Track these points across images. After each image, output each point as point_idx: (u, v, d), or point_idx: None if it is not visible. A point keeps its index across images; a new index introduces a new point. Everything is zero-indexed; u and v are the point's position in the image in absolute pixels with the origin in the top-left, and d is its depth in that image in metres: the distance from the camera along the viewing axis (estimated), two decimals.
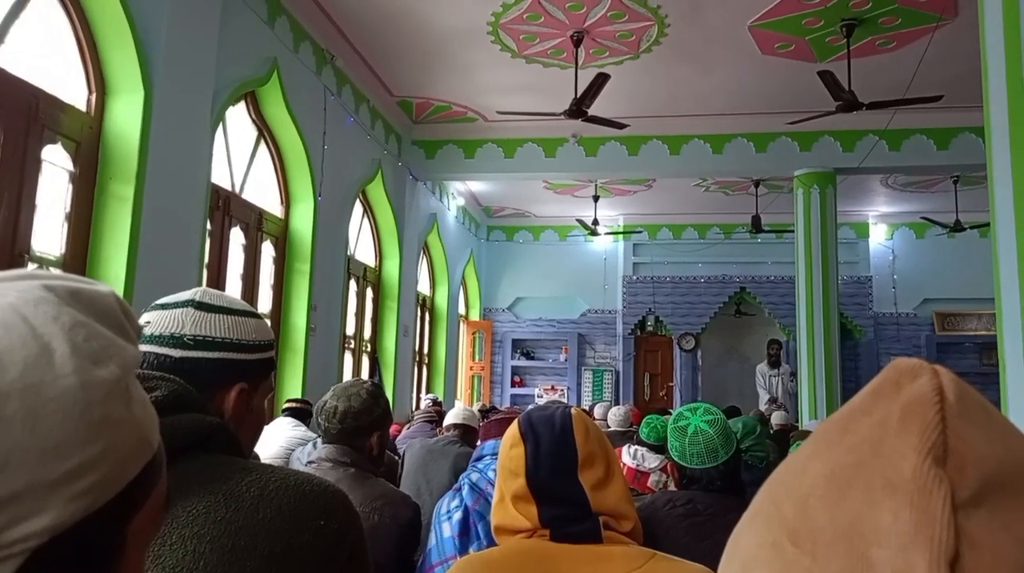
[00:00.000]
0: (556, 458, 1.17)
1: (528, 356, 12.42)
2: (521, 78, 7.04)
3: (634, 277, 12.06)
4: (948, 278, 11.32)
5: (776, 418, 6.93)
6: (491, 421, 2.73)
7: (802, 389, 7.91)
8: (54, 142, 3.79)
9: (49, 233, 3.80)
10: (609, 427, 5.22)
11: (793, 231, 8.27)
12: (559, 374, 12.28)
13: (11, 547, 0.38)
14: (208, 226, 4.88)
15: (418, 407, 8.01)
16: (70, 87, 3.97)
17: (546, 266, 12.32)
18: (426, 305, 10.14)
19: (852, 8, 5.72)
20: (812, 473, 0.35)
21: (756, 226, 9.82)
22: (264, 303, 5.95)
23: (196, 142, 4.53)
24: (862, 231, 11.69)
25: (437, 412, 5.56)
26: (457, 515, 1.99)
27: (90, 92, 4.06)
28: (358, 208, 7.71)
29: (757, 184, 9.67)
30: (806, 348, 7.81)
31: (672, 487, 2.35)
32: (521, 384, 12.26)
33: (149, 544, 0.51)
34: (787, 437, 5.74)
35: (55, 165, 3.82)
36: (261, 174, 6.03)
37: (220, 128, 5.16)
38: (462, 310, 11.83)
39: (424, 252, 9.81)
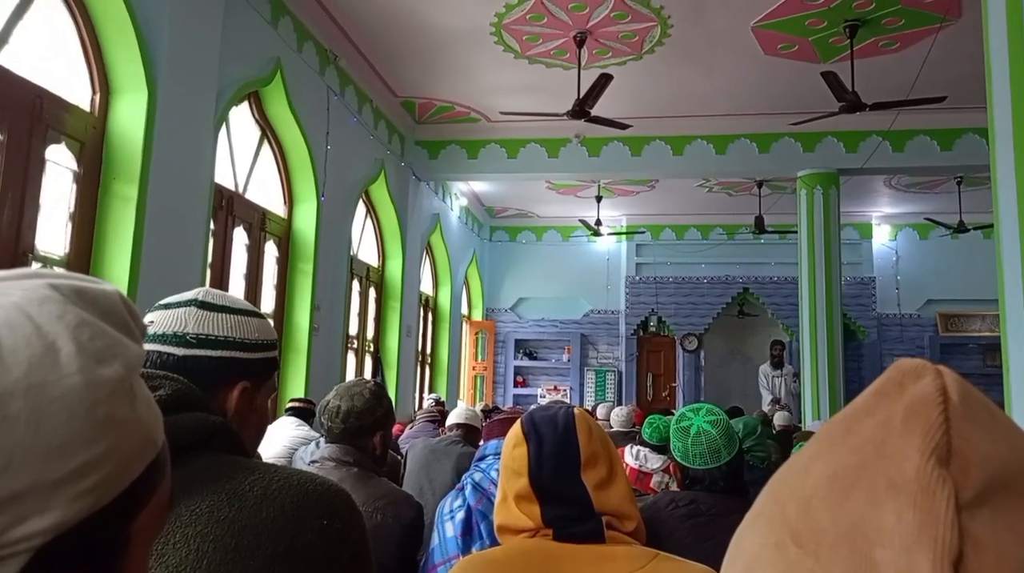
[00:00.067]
0: (559, 458, 1.17)
1: (531, 356, 12.42)
2: (524, 78, 7.04)
3: (637, 277, 12.06)
4: (952, 279, 11.30)
5: (779, 419, 6.92)
6: (494, 421, 2.73)
7: (805, 390, 7.90)
8: (58, 142, 3.80)
9: (53, 232, 3.81)
10: (612, 427, 5.21)
11: (796, 232, 8.26)
12: (562, 374, 12.29)
13: (15, 545, 0.38)
14: (211, 226, 4.89)
15: (421, 407, 8.01)
16: (74, 87, 3.98)
17: (549, 266, 12.33)
18: (429, 305, 10.14)
19: (855, 9, 5.71)
20: (815, 474, 0.35)
21: (759, 227, 9.81)
22: (267, 303, 5.96)
23: (199, 142, 4.54)
24: (865, 232, 11.67)
25: (440, 412, 5.56)
26: (460, 515, 1.99)
27: (94, 92, 4.06)
28: (361, 208, 7.72)
29: (760, 185, 9.66)
30: (809, 349, 7.80)
31: (675, 488, 2.35)
32: (524, 384, 12.26)
33: (153, 543, 0.51)
34: (790, 438, 5.74)
35: (59, 165, 3.83)
36: (264, 174, 6.04)
37: (223, 128, 5.16)
38: (465, 310, 11.83)
39: (427, 252, 9.81)
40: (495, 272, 12.51)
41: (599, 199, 10.37)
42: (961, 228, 9.64)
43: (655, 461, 3.50)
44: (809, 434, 5.33)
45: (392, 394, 7.74)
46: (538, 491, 1.16)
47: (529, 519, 1.16)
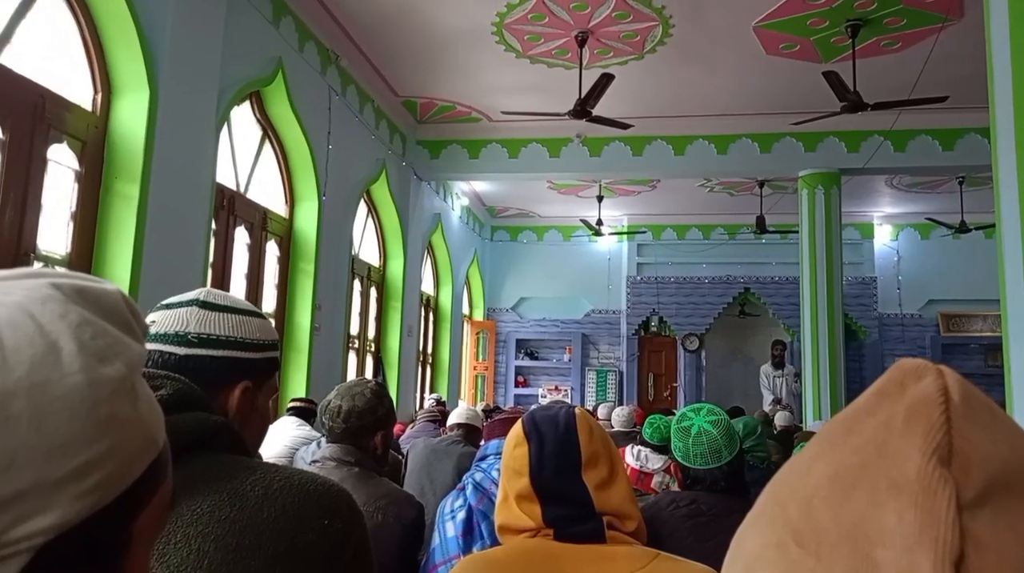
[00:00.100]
0: (560, 458, 1.17)
1: (532, 356, 12.42)
2: (525, 78, 7.04)
3: (638, 277, 12.05)
4: (953, 279, 11.29)
5: (780, 419, 6.92)
6: (495, 421, 2.73)
7: (806, 390, 7.90)
8: (60, 141, 3.80)
9: (55, 232, 3.82)
10: (613, 428, 5.21)
11: (797, 232, 8.26)
12: (563, 374, 12.29)
13: (17, 544, 0.38)
14: (213, 225, 4.89)
15: (422, 407, 8.01)
16: (76, 87, 3.99)
17: (550, 266, 12.32)
18: (430, 305, 10.14)
19: (857, 8, 5.71)
20: (816, 474, 0.35)
21: (760, 227, 9.81)
22: (268, 302, 5.96)
23: (201, 141, 4.54)
24: (867, 232, 11.66)
25: (441, 412, 5.56)
26: (461, 514, 1.99)
27: (96, 92, 4.07)
28: (362, 208, 7.73)
29: (762, 185, 9.65)
30: (810, 349, 7.80)
31: (676, 488, 2.35)
32: (525, 384, 12.26)
33: (155, 542, 0.51)
34: (791, 438, 5.74)
35: (61, 164, 3.83)
36: (266, 174, 6.05)
37: (225, 128, 5.17)
38: (466, 310, 11.84)
39: (428, 252, 9.82)
40: (496, 272, 12.51)
41: (600, 199, 10.37)
42: (963, 228, 9.63)
43: (656, 461, 3.50)
44: (810, 434, 5.33)
45: (393, 394, 7.74)
46: (539, 491, 1.16)
47: (530, 519, 1.16)
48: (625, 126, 6.61)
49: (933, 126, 7.72)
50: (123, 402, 0.43)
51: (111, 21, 4.00)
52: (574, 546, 1.13)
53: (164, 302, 1.08)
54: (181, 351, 1.02)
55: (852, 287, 10.98)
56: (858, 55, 6.11)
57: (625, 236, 11.94)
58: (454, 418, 4.04)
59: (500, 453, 1.67)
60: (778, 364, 10.33)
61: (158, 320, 1.04)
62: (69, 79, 3.95)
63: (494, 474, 2.06)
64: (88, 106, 4.01)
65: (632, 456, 3.53)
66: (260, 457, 1.18)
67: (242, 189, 5.63)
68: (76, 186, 3.90)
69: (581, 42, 6.19)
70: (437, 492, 3.13)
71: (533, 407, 1.36)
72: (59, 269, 0.58)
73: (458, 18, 5.98)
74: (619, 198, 10.73)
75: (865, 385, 0.38)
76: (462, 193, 10.68)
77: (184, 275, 4.24)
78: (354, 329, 7.51)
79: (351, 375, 7.27)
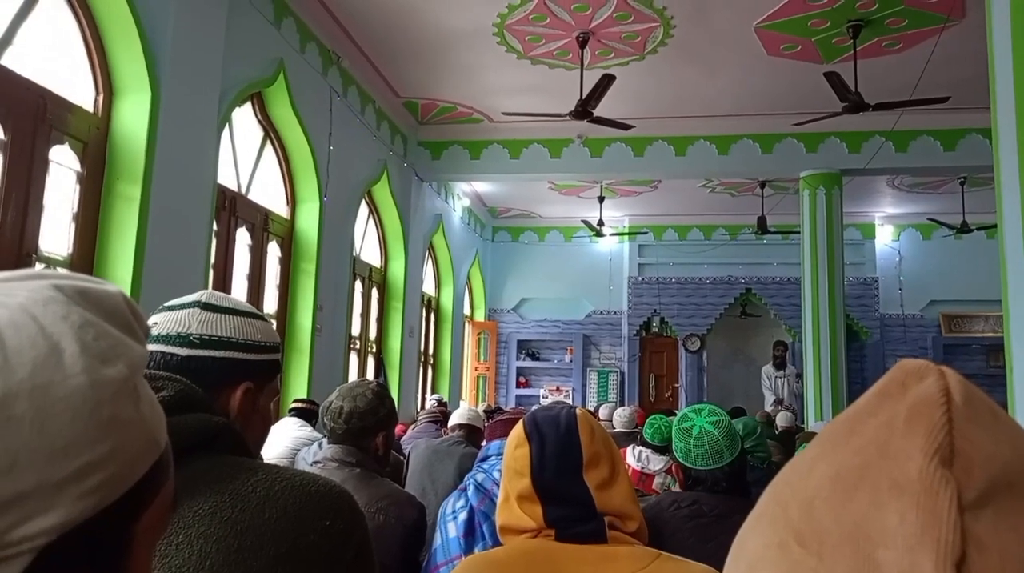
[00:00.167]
0: (561, 458, 1.17)
1: (533, 357, 12.42)
2: (527, 79, 7.04)
3: (639, 278, 12.05)
4: (955, 279, 11.28)
5: (782, 419, 6.92)
6: (496, 421, 2.73)
7: (808, 390, 7.89)
8: (61, 143, 3.81)
9: (56, 233, 3.82)
10: (614, 428, 5.21)
11: (799, 232, 8.26)
12: (564, 375, 12.28)
13: (20, 545, 0.38)
14: (214, 226, 4.90)
15: (423, 407, 8.02)
16: (77, 88, 3.99)
17: (551, 267, 12.32)
18: (431, 306, 10.15)
19: (859, 9, 5.71)
20: (818, 474, 0.35)
21: (762, 227, 9.81)
22: (270, 303, 5.96)
23: (203, 143, 4.54)
24: (868, 232, 11.65)
25: (442, 412, 5.56)
26: (462, 515, 1.99)
27: (97, 93, 4.07)
28: (364, 209, 7.73)
29: (763, 185, 9.65)
30: (812, 349, 7.80)
31: (677, 488, 2.35)
32: (526, 385, 12.26)
33: (156, 543, 0.51)
34: (793, 438, 5.74)
35: (62, 166, 3.84)
36: (267, 175, 6.05)
37: (226, 129, 5.17)
38: (467, 311, 11.84)
39: (429, 253, 9.82)
40: (497, 272, 12.51)
41: (601, 200, 10.37)
42: (964, 228, 9.62)
43: (657, 462, 3.49)
44: (812, 435, 5.33)
45: (394, 395, 7.75)
46: (540, 491, 1.16)
47: (531, 519, 1.16)
48: (626, 127, 6.61)
49: (934, 127, 7.71)
50: (125, 403, 0.43)
51: (113, 22, 4.01)
52: (575, 546, 1.13)
53: (166, 304, 1.09)
54: (183, 352, 1.02)
55: (854, 287, 10.97)
56: (859, 56, 6.11)
57: (626, 237, 11.93)
58: (455, 419, 4.04)
59: (501, 454, 1.67)
60: (780, 365, 10.32)
61: (160, 321, 1.04)
62: (71, 80, 3.96)
63: (495, 475, 2.06)
64: (90, 107, 4.01)
65: (633, 457, 3.52)
66: (262, 458, 1.18)
67: (243, 190, 5.63)
68: (77, 187, 3.91)
69: (582, 43, 6.19)
70: (439, 493, 3.13)
71: (534, 408, 1.36)
72: (61, 270, 0.58)
73: (459, 19, 5.99)
74: (620, 199, 10.73)
75: (866, 386, 0.38)
76: (463, 194, 10.68)
77: (185, 276, 4.24)
78: (355, 330, 7.51)
79: (352, 376, 7.27)
